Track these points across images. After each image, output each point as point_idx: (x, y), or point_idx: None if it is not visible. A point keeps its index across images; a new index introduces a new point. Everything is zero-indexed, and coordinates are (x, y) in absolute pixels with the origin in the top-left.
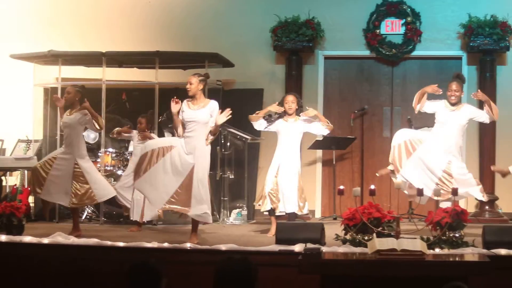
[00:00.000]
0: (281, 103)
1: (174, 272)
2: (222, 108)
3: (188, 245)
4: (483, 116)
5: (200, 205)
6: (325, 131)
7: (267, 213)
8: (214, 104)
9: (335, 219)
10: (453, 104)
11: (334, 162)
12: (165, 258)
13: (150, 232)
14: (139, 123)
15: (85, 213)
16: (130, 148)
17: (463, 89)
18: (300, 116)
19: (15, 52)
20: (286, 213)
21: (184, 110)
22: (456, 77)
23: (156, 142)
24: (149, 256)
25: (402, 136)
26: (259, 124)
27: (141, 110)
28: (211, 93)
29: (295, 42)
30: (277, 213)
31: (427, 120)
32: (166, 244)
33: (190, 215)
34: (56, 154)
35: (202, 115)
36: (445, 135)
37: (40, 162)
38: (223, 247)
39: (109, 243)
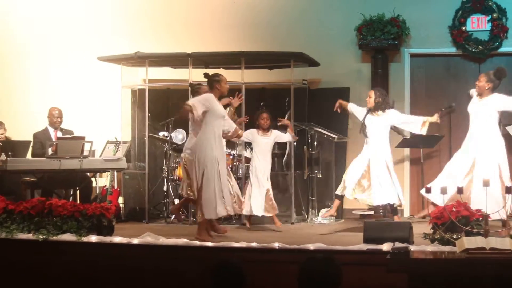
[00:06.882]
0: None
1: (262, 272)
2: (311, 108)
3: (276, 244)
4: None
5: None
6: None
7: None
8: None
9: (423, 218)
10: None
11: (422, 161)
12: (253, 258)
13: (240, 231)
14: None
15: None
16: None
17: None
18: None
19: (103, 54)
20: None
21: None
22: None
23: None
24: (235, 255)
25: None
26: None
27: None
28: (297, 93)
29: (380, 41)
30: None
31: None
32: (254, 244)
33: None
34: None
35: None
36: None
37: None
38: (311, 246)
39: (197, 243)
